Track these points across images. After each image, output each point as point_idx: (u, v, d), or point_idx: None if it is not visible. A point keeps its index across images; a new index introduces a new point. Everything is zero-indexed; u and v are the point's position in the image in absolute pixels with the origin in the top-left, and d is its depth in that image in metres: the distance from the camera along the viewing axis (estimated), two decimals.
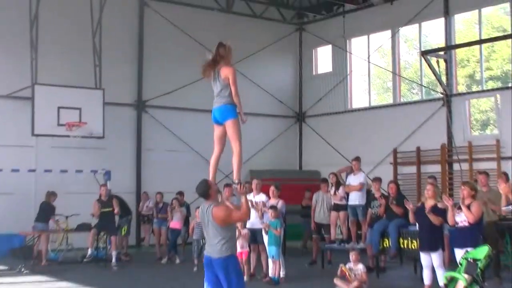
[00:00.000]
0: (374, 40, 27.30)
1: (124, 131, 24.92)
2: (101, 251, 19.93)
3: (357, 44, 28.21)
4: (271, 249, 15.47)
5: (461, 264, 11.75)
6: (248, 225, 15.72)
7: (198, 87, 23.94)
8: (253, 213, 15.52)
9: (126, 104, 25.15)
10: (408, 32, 26.92)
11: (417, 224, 14.16)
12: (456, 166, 23.15)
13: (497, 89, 23.03)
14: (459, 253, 12.21)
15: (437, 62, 23.18)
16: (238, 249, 14.47)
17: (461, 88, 24.41)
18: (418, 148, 24.31)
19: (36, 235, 19.68)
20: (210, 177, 9.61)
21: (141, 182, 25.01)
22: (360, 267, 14.20)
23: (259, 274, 16.31)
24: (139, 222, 23.40)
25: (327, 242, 18.54)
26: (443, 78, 23.61)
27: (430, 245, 13.14)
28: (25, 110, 21.46)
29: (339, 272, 14.29)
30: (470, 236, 12.23)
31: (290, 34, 29.73)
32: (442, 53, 23.52)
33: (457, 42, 24.15)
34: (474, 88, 24.32)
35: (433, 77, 24.01)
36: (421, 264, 13.57)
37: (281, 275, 15.61)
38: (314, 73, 29.90)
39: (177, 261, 19.93)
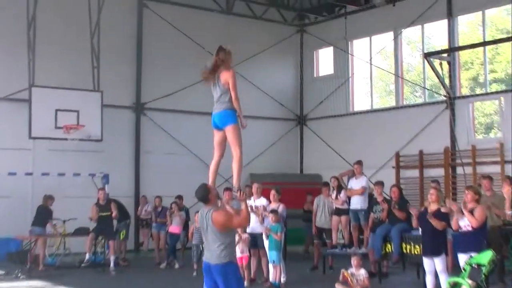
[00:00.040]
0: (376, 42, 27.31)
1: (123, 134, 24.93)
2: (99, 256, 19.90)
3: (359, 46, 28.22)
4: (271, 254, 15.47)
5: (464, 270, 11.75)
6: (249, 229, 15.71)
7: (197, 89, 23.88)
8: (254, 218, 15.54)
9: (124, 107, 25.16)
10: (411, 33, 26.94)
11: (420, 229, 14.15)
12: (459, 170, 23.15)
13: (501, 91, 22.99)
14: (462, 258, 12.22)
15: (440, 64, 23.20)
16: (238, 254, 14.47)
17: (465, 91, 24.40)
18: (421, 152, 24.30)
19: (33, 239, 19.67)
20: (210, 183, 9.62)
21: (140, 186, 25.01)
22: (362, 272, 14.20)
23: (259, 279, 16.33)
24: (138, 227, 23.37)
25: (329, 247, 18.55)
26: (447, 81, 23.63)
27: (433, 250, 13.12)
28: (22, 113, 21.44)
29: (341, 277, 14.29)
30: (473, 241, 12.24)
31: (291, 36, 29.75)
32: (445, 55, 23.55)
33: (461, 44, 24.15)
34: (478, 91, 24.30)
35: (436, 80, 24.00)
36: (424, 269, 13.55)
37: (282, 280, 15.60)
38: (315, 76, 29.91)
39: (176, 266, 19.93)
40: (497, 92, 23.25)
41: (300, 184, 26.30)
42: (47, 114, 20.85)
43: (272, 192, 16.44)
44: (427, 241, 13.37)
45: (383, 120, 26.14)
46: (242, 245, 15.50)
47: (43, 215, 19.87)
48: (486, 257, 11.59)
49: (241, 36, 27.34)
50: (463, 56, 24.73)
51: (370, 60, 27.21)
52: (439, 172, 23.46)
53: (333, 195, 18.53)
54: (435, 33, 25.90)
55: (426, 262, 13.29)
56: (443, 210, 13.30)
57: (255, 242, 15.99)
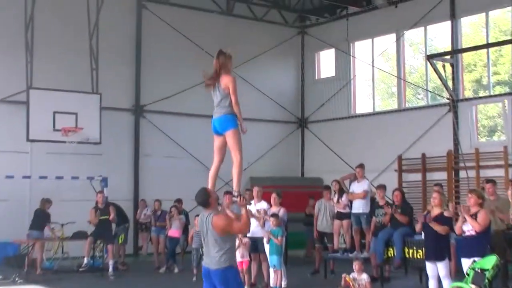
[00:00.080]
0: (378, 43, 27.30)
1: (122, 136, 24.90)
2: (98, 260, 19.91)
3: (361, 48, 28.21)
4: (272, 258, 15.46)
5: (468, 274, 11.73)
6: (249, 233, 15.68)
7: (197, 91, 23.86)
8: (254, 222, 15.52)
9: (123, 109, 25.14)
10: (413, 35, 26.92)
11: (422, 233, 14.13)
12: (462, 174, 23.12)
13: (505, 94, 22.96)
14: (466, 263, 12.20)
15: (443, 66, 23.18)
16: (239, 259, 14.48)
17: (468, 93, 24.39)
18: (424, 155, 24.29)
19: (30, 243, 19.66)
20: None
21: (139, 189, 24.99)
22: (364, 277, 14.20)
23: (260, 283, 16.32)
24: (137, 230, 23.37)
25: (330, 251, 18.54)
26: (449, 83, 23.62)
27: (436, 255, 13.11)
28: (19, 115, 21.41)
29: (342, 282, 14.29)
30: (477, 245, 12.23)
31: (292, 38, 29.76)
32: (448, 57, 23.54)
33: (464, 46, 24.14)
34: (481, 93, 24.27)
35: (439, 82, 23.99)
36: (427, 274, 13.53)
37: (283, 285, 15.61)
38: (316, 78, 29.91)
39: (176, 270, 19.93)
40: (500, 95, 23.22)
41: (301, 187, 26.30)
42: (45, 117, 20.84)
43: (273, 195, 16.46)
44: (430, 245, 13.34)
45: (385, 123, 26.13)
46: (243, 249, 15.50)
47: (41, 218, 19.87)
48: (489, 261, 11.58)
49: (241, 37, 27.35)
50: (466, 58, 24.72)
51: (372, 62, 27.20)
52: (442, 175, 23.45)
53: (335, 199, 18.53)
54: (438, 35, 25.88)
55: (429, 266, 13.27)
56: (446, 214, 13.29)
57: (255, 246, 15.99)
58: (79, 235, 20.02)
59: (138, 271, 20.58)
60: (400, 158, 25.04)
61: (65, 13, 23.65)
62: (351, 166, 22.82)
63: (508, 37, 22.40)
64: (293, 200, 21.97)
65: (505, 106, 22.89)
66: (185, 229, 20.53)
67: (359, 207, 17.95)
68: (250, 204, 15.57)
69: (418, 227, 14.03)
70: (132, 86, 25.49)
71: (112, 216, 19.34)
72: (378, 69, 27.38)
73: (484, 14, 23.75)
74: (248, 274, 15.90)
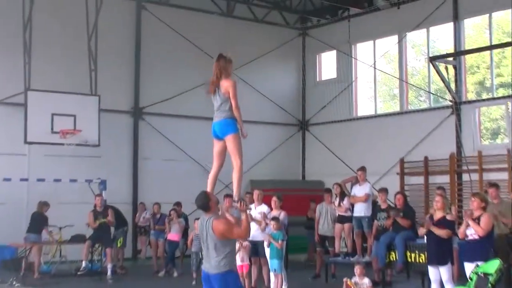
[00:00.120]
0: (380, 45, 27.30)
1: (120, 139, 24.88)
2: (96, 264, 19.90)
3: (362, 50, 28.21)
4: (273, 262, 15.44)
5: (471, 279, 11.72)
6: (250, 237, 15.68)
7: (197, 93, 23.92)
8: (254, 225, 15.51)
9: (122, 111, 25.11)
10: (415, 37, 26.91)
11: (425, 237, 14.11)
12: (465, 177, 23.11)
13: (508, 96, 22.91)
14: (469, 267, 12.18)
15: (446, 68, 23.17)
16: (239, 262, 14.45)
17: (471, 96, 24.37)
18: (426, 158, 24.27)
19: (28, 246, 19.64)
20: None
21: (138, 192, 24.97)
22: (366, 281, 14.18)
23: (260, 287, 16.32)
24: (136, 234, 23.37)
25: (331, 255, 18.52)
26: (452, 85, 23.60)
27: (439, 259, 13.09)
28: (17, 117, 21.40)
29: (344, 286, 14.27)
30: (480, 249, 12.21)
31: (293, 39, 29.76)
32: (451, 59, 23.51)
33: (467, 47, 24.12)
34: (484, 96, 24.28)
35: (442, 84, 23.98)
36: (429, 279, 13.51)
37: None
38: (317, 80, 29.91)
39: (175, 274, 19.91)
40: (504, 97, 23.17)
41: (301, 190, 26.25)
42: (43, 119, 20.85)
43: (274, 199, 16.44)
44: (432, 249, 13.32)
45: (387, 125, 26.11)
46: (243, 253, 15.48)
47: (38, 221, 19.85)
48: (493, 266, 11.56)
49: (242, 39, 27.37)
50: (469, 60, 24.71)
51: (374, 64, 27.19)
52: (444, 178, 23.41)
53: (336, 202, 18.53)
54: (441, 37, 25.87)
55: (431, 271, 13.25)
56: (448, 217, 13.27)
57: (256, 250, 15.97)
58: (77, 239, 20.01)
59: (136, 275, 20.57)
60: (402, 161, 25.03)
61: (64, 14, 23.63)
62: (352, 169, 22.79)
63: (511, 39, 22.40)
64: (294, 203, 21.96)
65: (508, 109, 22.88)
66: (185, 233, 20.50)
67: (361, 210, 17.94)
68: (250, 209, 15.54)
69: (421, 231, 14.00)
70: (131, 88, 25.48)
71: (109, 217, 19.30)
72: (380, 71, 27.37)
73: (487, 15, 23.75)
74: (248, 278, 15.87)
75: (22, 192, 22.27)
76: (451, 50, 24.22)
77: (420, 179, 24.44)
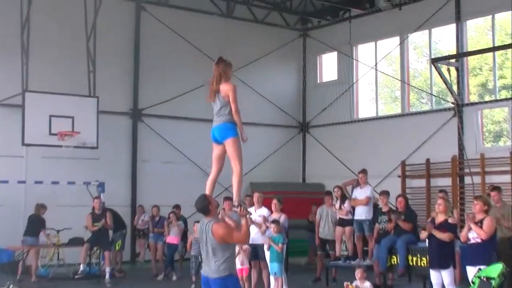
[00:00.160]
0: (381, 47, 27.30)
1: (119, 141, 24.86)
2: (94, 267, 19.90)
3: (363, 51, 28.21)
4: (273, 266, 15.44)
5: (473, 283, 11.71)
6: (250, 240, 15.67)
7: (197, 95, 24.03)
8: (255, 228, 15.50)
9: (121, 113, 25.11)
10: (417, 38, 26.90)
11: (426, 240, 14.10)
12: (467, 180, 23.07)
13: (511, 98, 22.94)
14: (471, 271, 12.17)
15: (448, 70, 23.16)
16: (238, 266, 14.44)
17: (473, 98, 24.36)
18: (428, 161, 24.26)
19: (25, 249, 19.63)
20: None
21: (137, 195, 24.95)
22: (367, 285, 14.16)
23: None
24: (134, 237, 23.38)
25: (332, 259, 18.50)
26: (454, 87, 23.59)
27: (441, 262, 13.08)
28: (15, 119, 21.38)
29: None
30: (482, 253, 12.19)
31: (293, 40, 29.75)
32: (453, 60, 23.48)
33: (469, 49, 24.11)
34: (487, 98, 24.25)
35: (444, 86, 23.99)
36: (431, 282, 13.49)
37: None
38: (318, 81, 29.90)
39: (174, 278, 19.91)
40: (506, 99, 23.15)
41: (302, 193, 26.24)
42: (41, 120, 20.80)
43: (274, 201, 16.43)
44: (434, 253, 13.32)
45: (388, 127, 26.11)
46: (242, 256, 15.47)
47: (36, 224, 19.86)
48: (495, 270, 11.55)
49: (242, 40, 27.40)
50: (472, 61, 24.70)
51: (375, 65, 27.17)
52: (446, 181, 23.41)
53: (337, 205, 18.52)
54: (443, 38, 25.87)
55: (433, 274, 13.24)
56: (450, 221, 13.27)
57: (255, 253, 15.96)
58: (75, 242, 20.00)
59: (135, 278, 20.56)
60: (403, 164, 25.02)
61: (62, 14, 23.61)
62: (353, 171, 22.80)
63: None
64: (294, 206, 21.92)
65: (511, 111, 22.85)
66: (184, 236, 20.49)
67: (362, 213, 17.96)
68: (250, 214, 15.52)
69: (423, 234, 13.99)
70: (130, 89, 25.46)
71: (105, 222, 19.28)
72: (382, 73, 27.35)
73: (490, 16, 23.76)
74: (248, 281, 15.87)
75: (19, 195, 22.25)
76: (453, 51, 24.20)
77: (421, 182, 24.43)
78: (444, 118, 24.06)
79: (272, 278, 15.59)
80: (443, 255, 13.07)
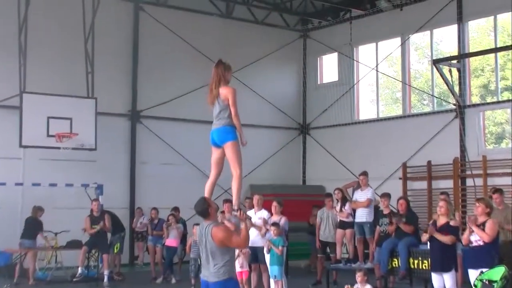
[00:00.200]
0: (382, 47, 27.29)
1: (117, 142, 24.84)
2: (92, 270, 19.88)
3: (364, 52, 28.21)
4: (273, 269, 15.44)
5: (475, 286, 11.71)
6: (249, 243, 15.66)
7: (196, 96, 24.04)
8: (254, 231, 15.49)
9: (119, 114, 25.10)
10: (418, 39, 26.91)
11: (428, 243, 14.09)
12: (469, 182, 23.07)
13: None
14: (473, 274, 12.16)
15: (450, 71, 23.17)
16: (238, 269, 14.43)
17: (475, 99, 24.35)
18: (429, 162, 24.24)
19: (23, 252, 19.62)
20: None
21: (135, 197, 24.94)
22: None
23: None
24: (133, 239, 23.35)
25: (333, 262, 18.50)
26: (456, 89, 23.59)
27: (443, 265, 13.08)
28: (12, 120, 21.37)
29: None
30: (485, 256, 12.18)
31: (293, 41, 29.75)
32: (455, 61, 23.49)
33: (471, 50, 24.10)
34: (489, 99, 24.25)
35: (445, 87, 23.99)
36: (433, 286, 13.49)
37: None
38: (318, 83, 29.88)
39: (173, 281, 19.89)
40: (508, 101, 23.14)
41: (302, 196, 26.22)
42: (38, 122, 20.80)
43: (274, 204, 16.43)
44: (436, 256, 13.32)
45: (389, 129, 26.09)
46: (242, 259, 15.45)
47: (33, 227, 19.85)
48: (498, 273, 11.54)
49: (241, 41, 27.40)
50: (474, 62, 24.71)
51: (376, 66, 27.17)
52: (448, 183, 23.39)
53: (338, 208, 18.52)
54: (444, 39, 25.87)
55: (435, 278, 13.24)
56: (452, 223, 13.26)
57: (255, 256, 15.96)
58: (73, 244, 20.00)
59: (134, 281, 20.56)
60: (405, 166, 25.00)
61: (60, 15, 23.62)
62: (354, 173, 22.80)
63: None
64: (295, 208, 21.93)
65: None
66: (183, 238, 20.49)
67: (363, 216, 17.96)
68: (250, 218, 15.50)
69: (424, 237, 13.98)
70: (128, 90, 25.45)
71: (103, 224, 19.27)
72: (382, 74, 27.35)
73: (492, 17, 23.77)
74: (248, 284, 15.85)
75: (17, 197, 22.21)
76: (455, 52, 24.18)
77: (423, 184, 24.42)
78: (446, 119, 24.05)
79: (272, 281, 15.59)
80: (445, 258, 13.08)
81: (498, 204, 15.10)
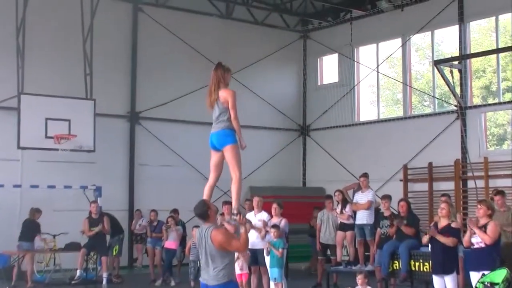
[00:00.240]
0: (383, 48, 27.30)
1: (116, 144, 24.84)
2: (91, 272, 19.90)
3: (365, 53, 28.21)
4: (273, 271, 15.43)
5: None
6: (249, 245, 15.65)
7: (195, 98, 23.99)
8: (254, 233, 15.49)
9: (118, 116, 25.08)
10: (419, 40, 26.92)
11: (429, 245, 14.08)
12: (470, 183, 23.07)
13: None
14: (475, 276, 12.16)
15: (451, 72, 23.14)
16: (238, 271, 14.41)
17: (476, 100, 24.36)
18: (430, 164, 24.24)
19: (21, 254, 19.60)
20: None
21: (134, 199, 24.93)
22: None
23: None
24: (132, 242, 23.32)
25: (333, 264, 18.48)
26: (457, 90, 23.56)
27: (444, 268, 13.07)
28: (10, 122, 21.35)
29: None
30: (486, 258, 12.18)
31: (293, 42, 29.75)
32: (456, 62, 23.48)
33: (472, 51, 24.13)
34: (490, 100, 24.25)
35: (447, 88, 23.98)
36: None
37: None
38: (319, 84, 29.87)
39: (172, 283, 19.86)
40: (510, 102, 23.13)
41: (302, 197, 26.22)
42: (36, 123, 20.79)
43: (274, 206, 16.42)
44: (437, 258, 13.31)
45: (390, 130, 26.08)
46: (242, 261, 15.44)
47: (30, 229, 19.84)
48: (499, 275, 11.54)
49: (241, 42, 27.40)
50: (475, 63, 24.71)
51: (377, 67, 27.18)
52: (449, 185, 23.38)
53: (338, 210, 18.51)
54: (445, 40, 25.86)
55: (436, 280, 13.24)
56: (453, 225, 13.25)
57: (255, 258, 15.95)
58: (71, 247, 20.01)
59: (133, 284, 20.57)
60: (405, 167, 25.00)
61: (58, 16, 23.61)
62: (354, 175, 22.79)
63: None
64: (295, 210, 21.93)
65: None
66: (182, 241, 20.49)
67: (363, 218, 17.93)
68: (250, 222, 15.48)
69: (425, 239, 13.98)
70: (127, 92, 25.44)
71: (102, 227, 19.27)
72: (383, 75, 27.36)
73: (493, 18, 23.76)
74: (247, 287, 15.85)
75: (15, 199, 22.20)
76: (456, 53, 24.17)
77: (424, 186, 24.41)
78: (447, 121, 24.05)
79: (272, 283, 15.58)
80: (446, 260, 13.07)
81: (500, 206, 15.06)
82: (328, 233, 18.71)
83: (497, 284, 11.40)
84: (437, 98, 25.47)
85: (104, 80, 23.50)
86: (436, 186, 24.00)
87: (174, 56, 26.02)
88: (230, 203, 11.19)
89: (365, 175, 18.55)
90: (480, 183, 22.53)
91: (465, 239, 12.66)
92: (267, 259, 15.60)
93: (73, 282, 19.18)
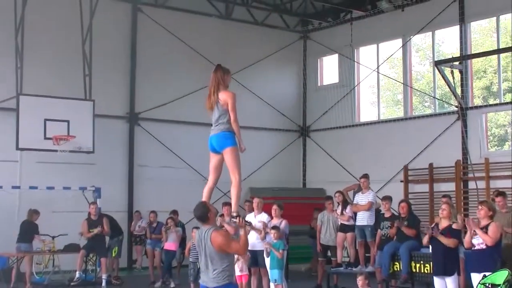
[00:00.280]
0: (383, 49, 27.29)
1: (115, 145, 24.84)
2: (90, 274, 19.92)
3: (365, 54, 28.20)
4: (273, 273, 15.41)
5: None
6: (249, 246, 15.64)
7: (195, 98, 23.95)
8: (254, 234, 15.48)
9: (117, 117, 25.08)
10: (420, 40, 26.92)
11: (430, 247, 14.08)
12: (471, 184, 23.07)
13: None
14: (476, 278, 12.15)
15: (452, 73, 23.13)
16: (238, 273, 14.42)
17: (477, 101, 24.36)
18: (431, 165, 24.22)
19: (19, 256, 19.59)
20: None
21: (133, 200, 24.92)
22: None
23: None
24: (131, 243, 23.33)
25: (334, 265, 18.48)
26: (458, 90, 23.55)
27: (445, 269, 13.07)
28: (9, 122, 21.36)
29: None
30: (487, 259, 12.17)
31: (293, 43, 29.73)
32: (457, 63, 23.47)
33: (473, 51, 24.13)
34: (491, 101, 24.27)
35: (447, 89, 23.98)
36: None
37: None
38: (319, 84, 29.86)
39: (172, 285, 19.84)
40: (511, 102, 23.14)
41: (302, 199, 26.21)
42: (35, 124, 20.80)
43: (274, 207, 16.42)
44: (438, 259, 13.31)
45: (390, 131, 26.06)
46: (242, 263, 15.43)
47: (28, 230, 19.82)
48: (501, 276, 11.53)
49: (241, 42, 27.39)
50: (476, 64, 24.71)
51: (377, 68, 27.16)
52: (450, 186, 23.37)
53: (338, 211, 18.50)
54: (446, 40, 25.86)
55: (437, 281, 13.24)
56: (454, 226, 13.25)
57: (255, 259, 15.93)
58: (71, 248, 19.98)
59: (132, 285, 20.56)
60: (406, 168, 24.99)
61: (57, 16, 23.60)
62: (355, 176, 22.80)
63: None
64: (295, 211, 21.90)
65: None
66: (182, 242, 20.47)
67: (364, 219, 17.93)
68: (250, 224, 15.47)
69: (425, 240, 13.97)
70: (126, 92, 25.43)
71: (103, 229, 19.26)
72: (384, 76, 27.35)
73: (494, 18, 23.76)
74: None
75: (13, 200, 22.18)
76: (457, 54, 24.18)
77: (425, 187, 24.40)
78: (448, 121, 24.03)
79: (272, 285, 15.57)
80: (447, 261, 13.08)
81: (501, 207, 15.04)
82: (328, 234, 18.71)
83: (498, 285, 11.39)
84: (438, 99, 25.46)
85: (103, 80, 23.49)
86: (436, 187, 23.98)
87: (174, 57, 26.01)
88: (230, 204, 11.17)
89: (366, 176, 18.54)
90: (481, 184, 22.53)
91: (466, 240, 12.65)
92: (267, 261, 15.59)
93: (72, 283, 19.16)
